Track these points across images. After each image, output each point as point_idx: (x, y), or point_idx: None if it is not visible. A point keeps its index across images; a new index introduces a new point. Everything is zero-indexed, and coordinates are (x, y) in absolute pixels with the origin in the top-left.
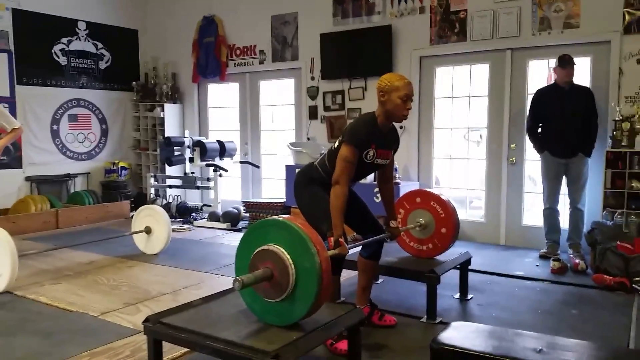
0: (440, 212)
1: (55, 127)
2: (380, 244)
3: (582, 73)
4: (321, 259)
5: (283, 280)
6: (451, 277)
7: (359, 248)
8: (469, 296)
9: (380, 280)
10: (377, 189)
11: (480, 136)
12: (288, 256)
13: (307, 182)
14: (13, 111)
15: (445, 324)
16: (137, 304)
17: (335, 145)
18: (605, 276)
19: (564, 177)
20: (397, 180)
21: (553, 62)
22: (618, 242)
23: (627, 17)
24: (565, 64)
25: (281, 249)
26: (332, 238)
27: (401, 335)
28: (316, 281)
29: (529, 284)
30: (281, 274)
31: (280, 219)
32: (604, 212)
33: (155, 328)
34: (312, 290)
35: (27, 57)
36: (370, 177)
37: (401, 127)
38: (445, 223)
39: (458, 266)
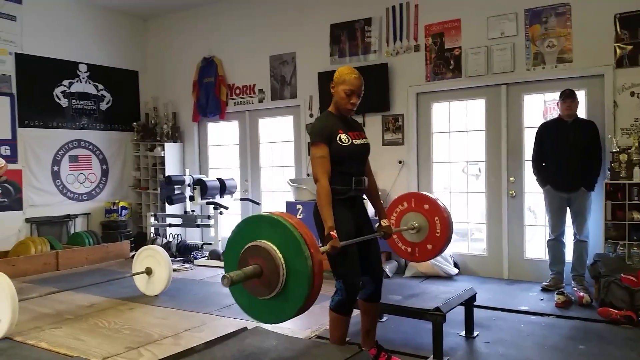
0: (437, 231)
1: (56, 168)
2: (378, 285)
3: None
4: (314, 262)
5: (272, 279)
6: (456, 314)
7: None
8: (475, 333)
9: (384, 319)
10: (370, 204)
11: (479, 170)
12: (280, 255)
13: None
14: (14, 153)
15: None
16: (139, 348)
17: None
18: (611, 310)
19: (568, 208)
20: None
21: (548, 96)
22: (622, 275)
23: (618, 51)
24: (565, 97)
25: (274, 247)
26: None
27: None
28: (307, 284)
29: (535, 319)
30: (271, 273)
31: (275, 216)
32: (606, 243)
33: None
34: (302, 293)
35: (29, 100)
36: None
37: (400, 162)
38: (434, 241)
39: (463, 303)
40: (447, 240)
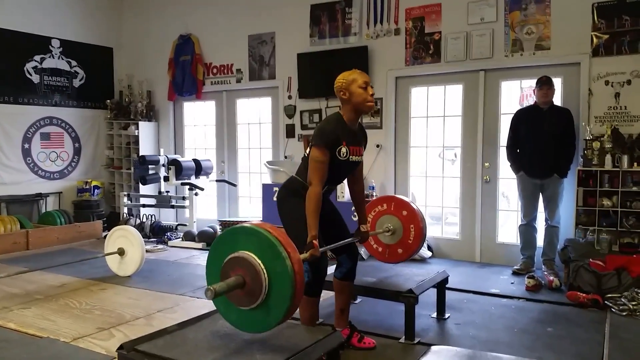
0: (411, 238)
1: (26, 145)
2: (354, 264)
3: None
4: (293, 261)
5: (256, 286)
6: (428, 296)
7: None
8: (446, 315)
9: (358, 300)
10: (354, 207)
11: (455, 155)
12: (259, 262)
13: (288, 195)
14: None
15: (423, 345)
16: (111, 329)
17: (307, 151)
18: (578, 293)
19: (540, 194)
20: (374, 198)
21: (525, 82)
22: (590, 260)
23: (594, 40)
24: (542, 84)
25: (252, 255)
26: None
27: (380, 357)
28: (290, 284)
29: (505, 302)
30: (254, 281)
31: (248, 225)
32: (577, 229)
33: (130, 356)
34: (286, 294)
35: None
36: (348, 196)
37: (378, 146)
38: (405, 247)
39: (435, 285)
40: (418, 248)
